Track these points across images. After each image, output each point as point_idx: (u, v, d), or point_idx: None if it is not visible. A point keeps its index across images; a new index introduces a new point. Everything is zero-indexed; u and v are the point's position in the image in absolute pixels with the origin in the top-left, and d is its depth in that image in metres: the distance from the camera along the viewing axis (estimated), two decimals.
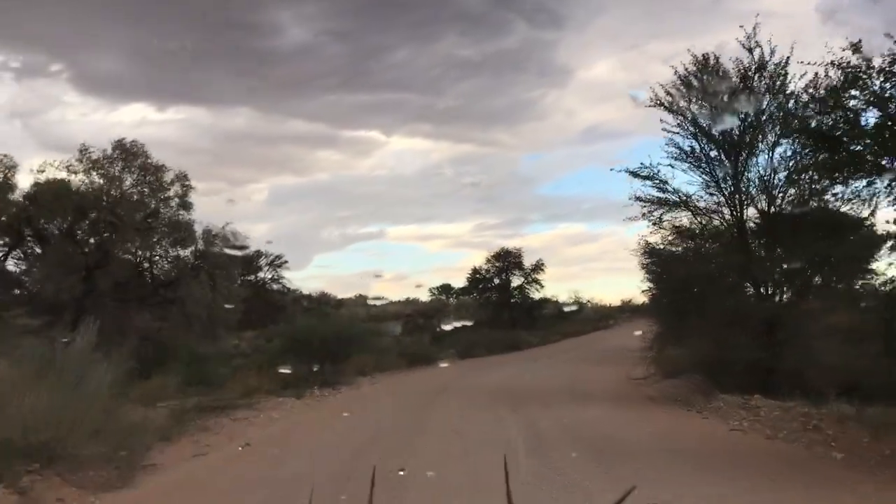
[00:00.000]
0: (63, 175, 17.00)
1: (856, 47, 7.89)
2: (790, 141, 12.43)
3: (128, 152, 17.32)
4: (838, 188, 11.37)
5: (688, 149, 13.52)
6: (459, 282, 38.31)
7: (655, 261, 15.27)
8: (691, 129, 13.42)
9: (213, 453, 8.54)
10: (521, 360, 24.50)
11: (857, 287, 13.21)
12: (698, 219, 13.97)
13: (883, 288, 11.16)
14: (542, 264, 36.36)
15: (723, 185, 13.47)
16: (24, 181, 17.13)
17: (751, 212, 13.38)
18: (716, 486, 6.33)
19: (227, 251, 18.59)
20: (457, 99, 50.15)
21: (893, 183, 8.52)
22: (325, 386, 15.82)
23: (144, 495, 6.48)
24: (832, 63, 8.23)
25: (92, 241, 17.76)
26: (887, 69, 7.81)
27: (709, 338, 13.53)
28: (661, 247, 14.90)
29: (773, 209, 13.02)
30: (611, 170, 14.17)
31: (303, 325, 20.03)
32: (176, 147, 44.53)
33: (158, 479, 7.10)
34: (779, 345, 12.41)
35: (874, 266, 12.41)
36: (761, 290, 13.24)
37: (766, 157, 13.10)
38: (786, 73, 12.35)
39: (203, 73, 43.03)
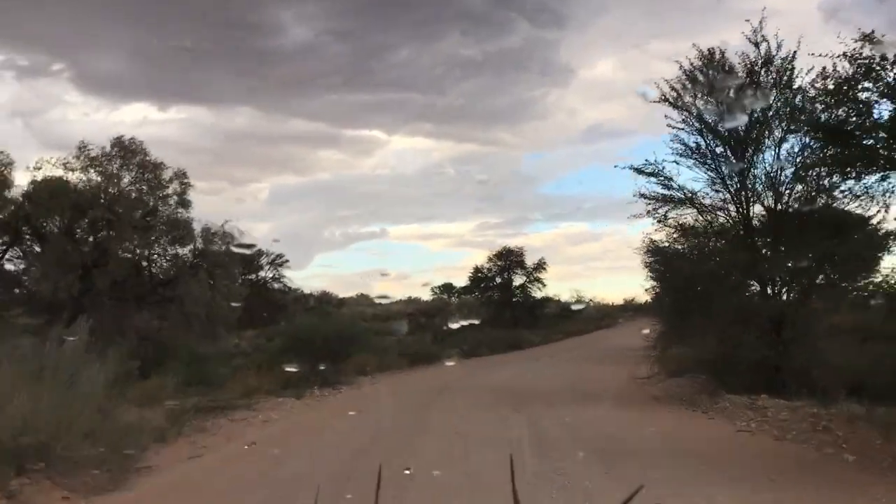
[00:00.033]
0: (60, 172, 16.89)
1: (869, 38, 7.70)
2: (798, 136, 12.26)
3: (126, 150, 17.17)
4: (849, 184, 11.18)
5: (693, 145, 13.38)
6: (461, 281, 38.31)
7: (659, 259, 15.11)
8: (697, 124, 13.27)
9: (209, 454, 8.41)
10: (523, 360, 24.37)
11: (862, 285, 12.99)
12: (704, 216, 13.78)
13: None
14: (545, 263, 36.37)
15: (729, 182, 13.28)
16: (21, 179, 17.04)
17: (757, 209, 13.21)
18: (725, 487, 6.19)
19: (235, 250, 18.46)
20: (458, 98, 50.17)
21: None
22: (326, 386, 15.67)
23: (138, 498, 6.36)
24: (844, 55, 8.04)
25: (90, 239, 17.62)
26: None
27: (713, 336, 13.34)
28: (666, 244, 14.75)
29: (779, 206, 12.84)
30: (615, 167, 14.01)
31: (304, 324, 19.91)
32: (177, 146, 44.57)
33: (153, 480, 6.98)
34: (785, 343, 12.24)
35: (880, 264, 12.22)
36: (767, 288, 13.07)
37: (773, 152, 12.93)
38: (793, 68, 12.20)
39: (204, 73, 43.05)
